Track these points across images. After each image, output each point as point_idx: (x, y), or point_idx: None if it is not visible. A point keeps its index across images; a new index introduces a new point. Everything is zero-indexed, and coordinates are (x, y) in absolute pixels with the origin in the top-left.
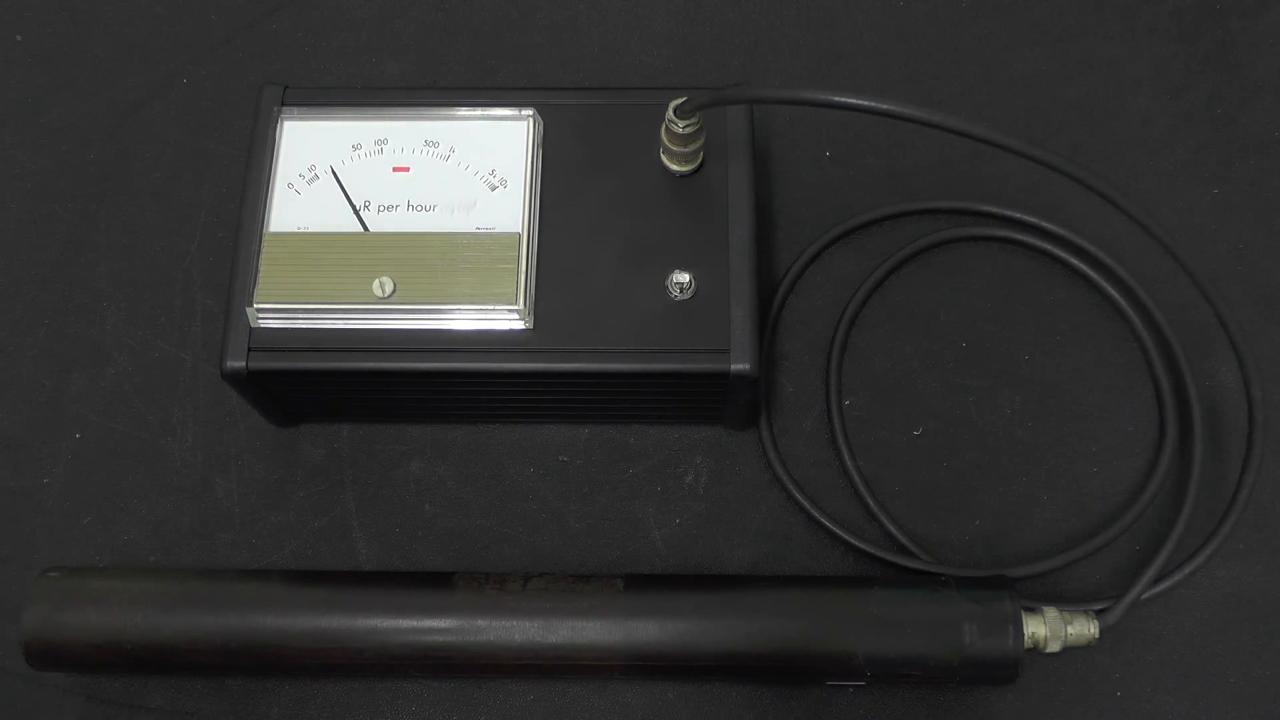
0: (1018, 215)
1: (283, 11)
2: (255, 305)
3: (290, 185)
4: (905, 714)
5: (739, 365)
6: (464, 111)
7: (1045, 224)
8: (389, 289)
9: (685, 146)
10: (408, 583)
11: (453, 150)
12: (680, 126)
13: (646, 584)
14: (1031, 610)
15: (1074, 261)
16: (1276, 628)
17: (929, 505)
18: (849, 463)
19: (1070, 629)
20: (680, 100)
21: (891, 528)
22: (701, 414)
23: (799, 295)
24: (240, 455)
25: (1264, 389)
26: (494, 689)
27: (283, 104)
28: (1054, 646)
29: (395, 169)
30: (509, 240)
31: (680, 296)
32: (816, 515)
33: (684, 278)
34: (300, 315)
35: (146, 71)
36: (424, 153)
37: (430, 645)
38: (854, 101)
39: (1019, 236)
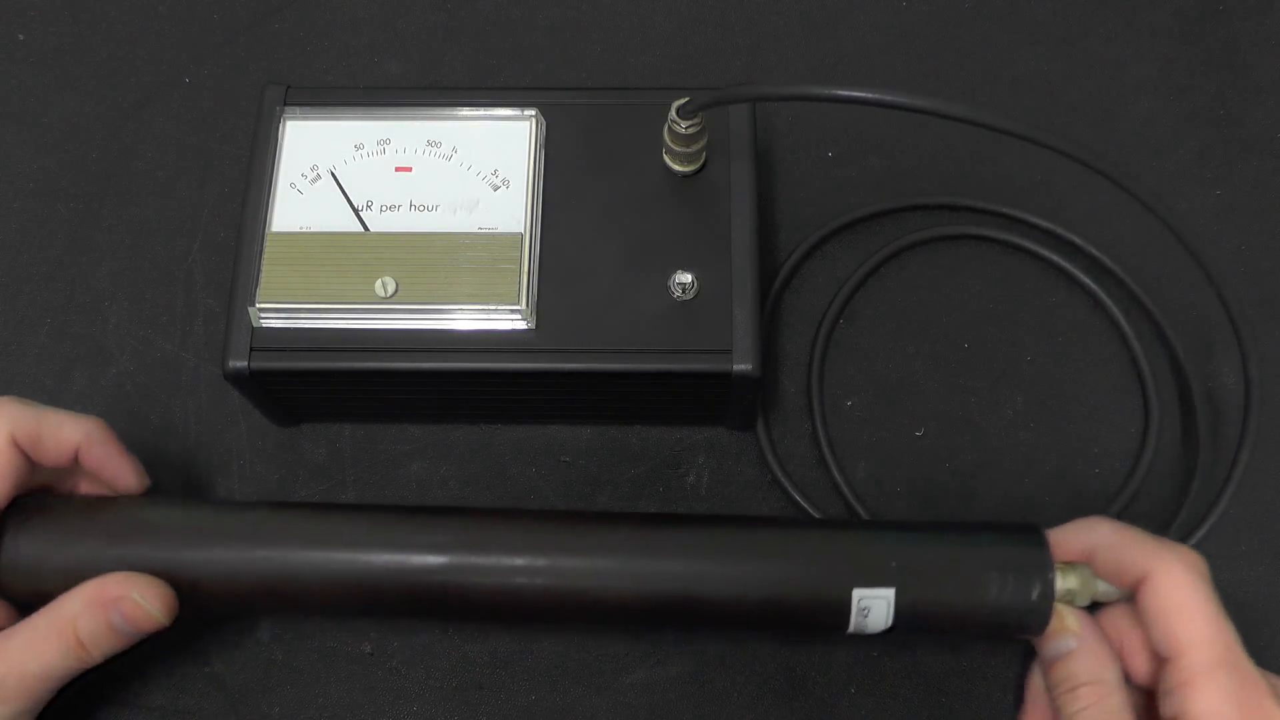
0: (1019, 214)
1: (285, 11)
2: (257, 305)
3: (292, 185)
4: (908, 716)
5: (741, 366)
6: (466, 111)
7: (1050, 225)
8: (391, 289)
9: (688, 146)
10: (410, 514)
11: (455, 150)
12: (683, 126)
13: (662, 522)
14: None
15: (1074, 270)
16: (1278, 630)
17: (931, 506)
18: (829, 457)
19: (1100, 586)
20: (683, 100)
21: None
22: (703, 414)
23: (801, 296)
24: (242, 455)
25: (1264, 389)
26: (496, 689)
27: (285, 104)
28: (1083, 601)
29: (398, 169)
30: (511, 240)
31: (683, 297)
32: (817, 517)
33: (686, 278)
34: (302, 315)
35: (149, 71)
36: (426, 153)
37: (431, 583)
38: (857, 95)
39: (1021, 240)
